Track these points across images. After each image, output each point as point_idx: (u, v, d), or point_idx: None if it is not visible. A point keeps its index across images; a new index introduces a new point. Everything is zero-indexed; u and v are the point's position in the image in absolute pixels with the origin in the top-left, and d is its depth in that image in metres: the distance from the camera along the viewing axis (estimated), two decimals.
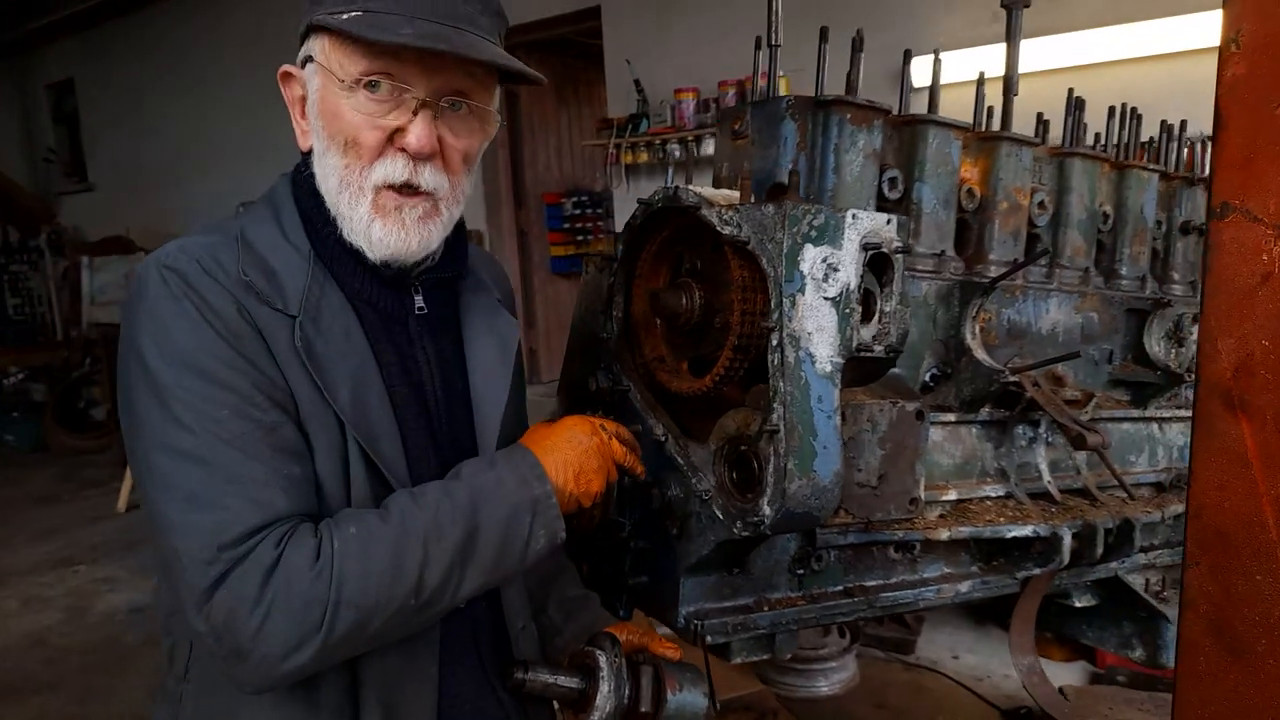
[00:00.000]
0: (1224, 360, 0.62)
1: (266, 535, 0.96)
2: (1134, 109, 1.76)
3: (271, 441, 1.01)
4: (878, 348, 1.08)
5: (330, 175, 1.10)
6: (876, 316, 1.09)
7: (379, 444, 1.09)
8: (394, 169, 1.07)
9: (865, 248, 1.04)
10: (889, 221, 1.06)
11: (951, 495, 1.44)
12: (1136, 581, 1.73)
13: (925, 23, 4.17)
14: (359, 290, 1.15)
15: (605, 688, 1.18)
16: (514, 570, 1.10)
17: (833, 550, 1.34)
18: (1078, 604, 1.72)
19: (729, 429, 1.10)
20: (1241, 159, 0.58)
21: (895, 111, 1.42)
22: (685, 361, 1.28)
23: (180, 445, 0.98)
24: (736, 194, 1.18)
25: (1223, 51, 0.59)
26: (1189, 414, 1.80)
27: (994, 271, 1.49)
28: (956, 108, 1.49)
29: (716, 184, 1.38)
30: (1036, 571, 1.50)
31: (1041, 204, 1.58)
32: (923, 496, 1.28)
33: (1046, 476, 1.55)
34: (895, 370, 1.26)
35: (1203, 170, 1.92)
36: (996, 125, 1.55)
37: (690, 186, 1.17)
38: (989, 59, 3.38)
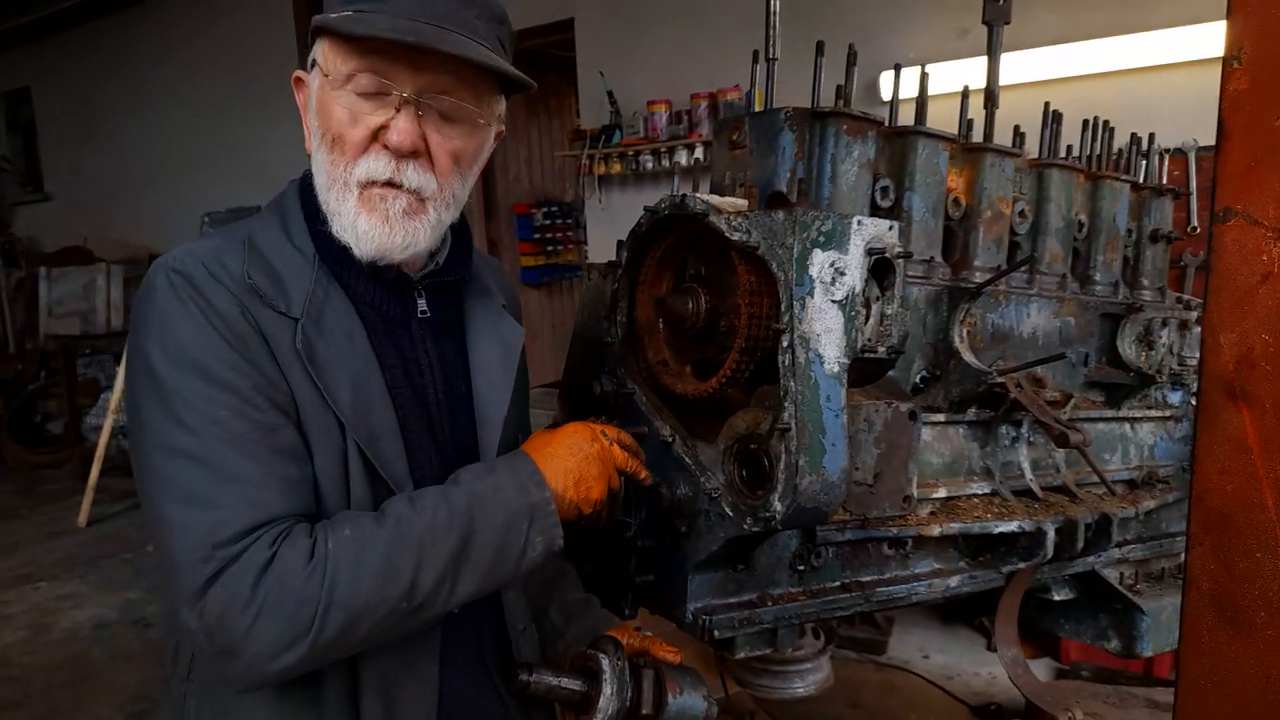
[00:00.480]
0: (1226, 354, 0.67)
1: (261, 535, 0.97)
2: (1106, 122, 1.84)
3: (270, 443, 1.02)
4: (880, 349, 1.13)
5: (320, 173, 1.13)
6: (878, 318, 1.13)
7: (380, 446, 1.10)
8: (377, 165, 1.09)
9: (870, 252, 1.09)
10: (891, 228, 1.11)
11: (941, 493, 1.49)
12: (1111, 575, 1.80)
13: (892, 36, 4.27)
14: (362, 293, 1.17)
15: (608, 690, 1.20)
16: (510, 576, 1.11)
17: (831, 547, 1.38)
18: (1056, 597, 1.79)
19: (739, 428, 1.14)
20: (1243, 167, 0.64)
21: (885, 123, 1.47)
22: (689, 365, 1.32)
23: (180, 445, 0.99)
24: (739, 201, 1.22)
25: (1225, 67, 0.64)
26: (1160, 414, 1.88)
27: (978, 277, 1.55)
28: (930, 120, 1.54)
29: (718, 192, 1.42)
30: (1021, 566, 1.56)
31: (1022, 213, 1.64)
32: (915, 494, 1.33)
33: (1029, 474, 1.61)
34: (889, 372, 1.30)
35: (1166, 183, 2.02)
36: (977, 137, 1.61)
37: (697, 194, 1.21)
38: (954, 73, 3.48)
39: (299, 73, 1.19)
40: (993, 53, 1.53)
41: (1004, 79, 1.56)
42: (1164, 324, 1.77)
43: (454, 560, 1.03)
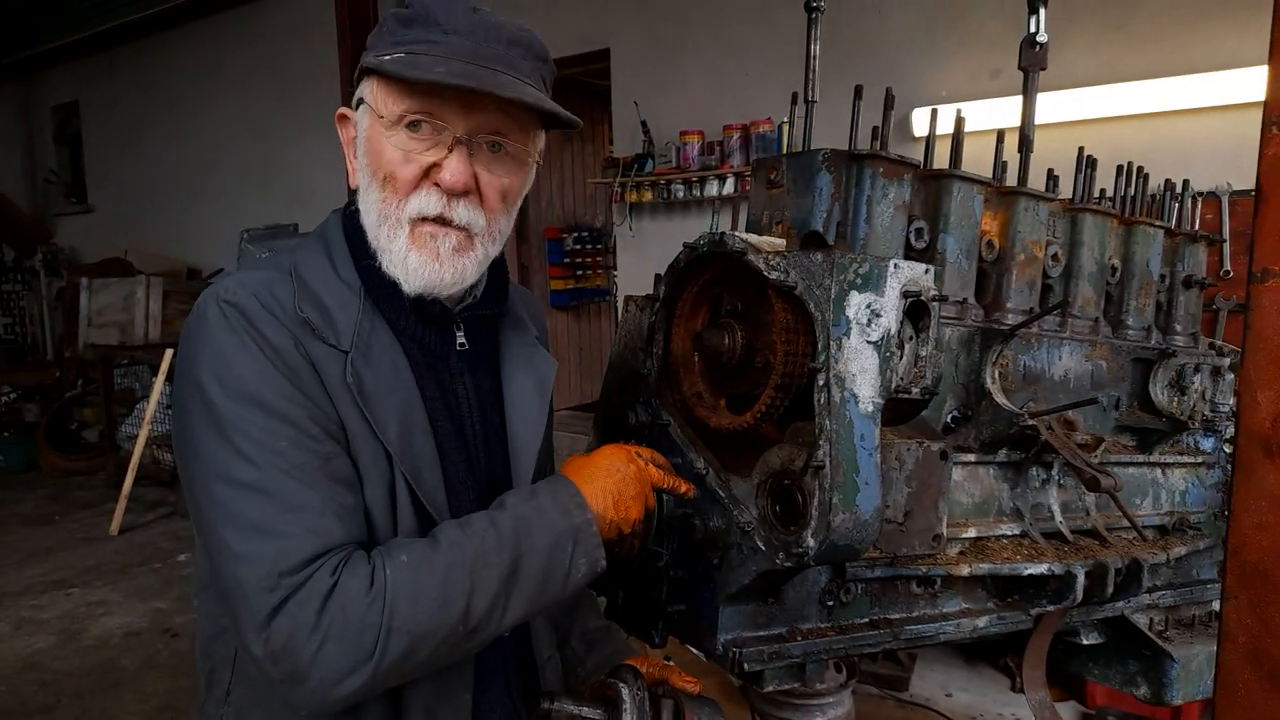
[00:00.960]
0: (1263, 411, 0.69)
1: (324, 563, 0.99)
2: (1140, 167, 1.85)
3: (327, 471, 1.04)
4: (914, 390, 1.14)
5: (371, 210, 1.15)
6: (913, 359, 1.15)
7: (422, 476, 1.12)
8: (428, 202, 1.12)
9: (905, 295, 1.11)
10: (926, 271, 1.13)
11: (971, 533, 1.50)
12: (1141, 621, 1.78)
13: (925, 74, 4.30)
14: (404, 326, 1.19)
15: (628, 719, 1.22)
16: (557, 598, 1.12)
17: (860, 583, 1.39)
18: (1085, 641, 1.77)
19: (773, 464, 1.16)
20: None
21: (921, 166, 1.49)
22: (723, 398, 1.34)
23: (242, 476, 1.01)
24: (778, 241, 1.25)
25: (1264, 133, 0.66)
26: (1192, 460, 1.88)
27: (1011, 319, 1.56)
28: (963, 157, 1.55)
29: (755, 231, 1.45)
30: (1050, 608, 1.55)
31: (1055, 256, 1.66)
32: (945, 533, 1.34)
33: (1058, 517, 1.60)
34: None
35: (1198, 226, 2.02)
36: (1011, 179, 1.63)
37: (736, 232, 1.24)
38: (988, 112, 3.49)
39: (343, 110, 1.22)
40: (1028, 97, 1.55)
41: (1038, 119, 1.57)
42: (1196, 370, 1.77)
43: (505, 584, 1.04)
